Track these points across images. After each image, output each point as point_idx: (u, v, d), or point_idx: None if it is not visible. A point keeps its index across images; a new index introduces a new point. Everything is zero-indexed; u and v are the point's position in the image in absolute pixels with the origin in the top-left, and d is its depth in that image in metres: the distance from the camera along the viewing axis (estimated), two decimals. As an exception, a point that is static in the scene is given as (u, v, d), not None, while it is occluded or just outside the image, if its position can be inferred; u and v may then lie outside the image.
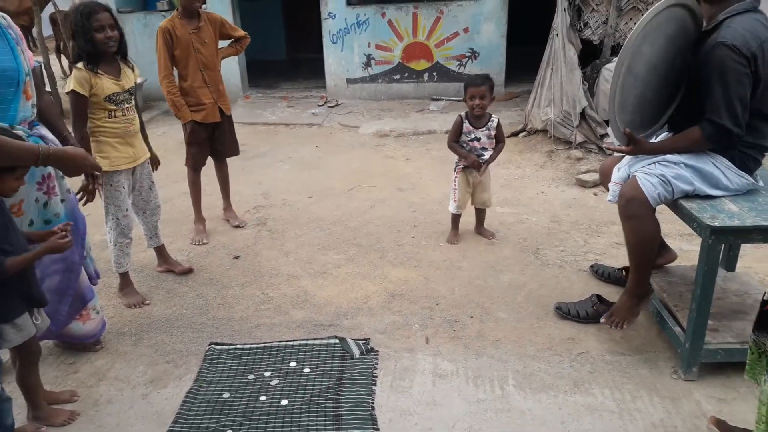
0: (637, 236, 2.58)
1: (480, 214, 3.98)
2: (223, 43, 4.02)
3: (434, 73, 7.86)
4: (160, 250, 3.61)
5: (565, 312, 2.98)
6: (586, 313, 2.93)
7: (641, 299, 2.72)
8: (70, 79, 2.96)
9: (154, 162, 3.39)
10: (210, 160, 4.17)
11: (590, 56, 5.83)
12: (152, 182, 3.35)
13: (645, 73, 2.42)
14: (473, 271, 3.51)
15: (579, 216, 4.23)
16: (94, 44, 2.88)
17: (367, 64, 7.92)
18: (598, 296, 2.97)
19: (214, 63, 3.88)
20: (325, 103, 7.93)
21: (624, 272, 3.22)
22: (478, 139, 3.67)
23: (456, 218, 3.94)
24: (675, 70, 2.49)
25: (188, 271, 3.59)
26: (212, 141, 4.07)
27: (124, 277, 3.32)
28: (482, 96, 3.54)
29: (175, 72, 3.83)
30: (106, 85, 2.95)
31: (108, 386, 2.61)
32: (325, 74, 8.12)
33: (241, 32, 4.10)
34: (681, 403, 2.37)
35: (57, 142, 2.48)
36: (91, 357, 2.81)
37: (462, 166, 3.77)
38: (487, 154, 3.69)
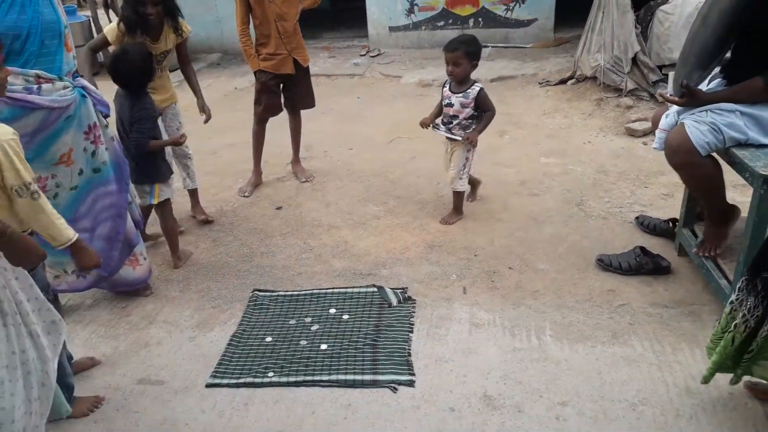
0: (693, 182, 2.55)
1: (453, 196, 3.54)
2: None
3: (480, 19, 7.60)
4: (193, 194, 3.73)
5: (606, 264, 2.93)
6: (629, 265, 2.87)
7: (727, 222, 2.68)
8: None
9: (206, 113, 3.63)
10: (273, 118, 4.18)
11: (645, -3, 5.50)
12: (180, 123, 3.53)
13: (716, 20, 2.28)
14: (514, 222, 3.47)
15: (627, 166, 4.10)
16: (138, 15, 3.09)
17: (410, 11, 7.72)
18: (642, 248, 2.90)
19: (290, 14, 3.82)
20: (367, 52, 7.82)
21: (671, 224, 3.12)
22: (451, 105, 3.30)
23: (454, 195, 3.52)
24: (739, 16, 2.32)
25: (208, 222, 3.69)
26: (285, 92, 4.08)
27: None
28: (455, 62, 3.17)
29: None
30: None
31: (158, 329, 2.75)
32: (367, 23, 7.97)
33: None
34: (724, 356, 2.32)
35: (97, 92, 2.55)
36: (142, 301, 2.96)
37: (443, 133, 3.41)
38: (454, 122, 3.31)
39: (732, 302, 1.96)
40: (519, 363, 2.37)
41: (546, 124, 5.07)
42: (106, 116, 2.64)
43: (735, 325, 1.93)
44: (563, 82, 5.81)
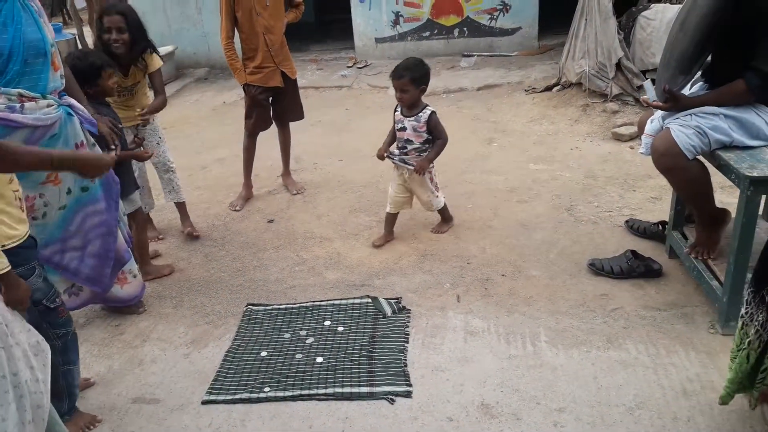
0: (681, 185, 2.58)
1: (440, 213, 3.52)
2: None
3: (465, 29, 7.67)
4: (180, 207, 3.72)
5: (598, 268, 2.95)
6: (620, 269, 2.89)
7: (718, 225, 2.68)
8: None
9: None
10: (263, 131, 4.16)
11: (626, 4, 5.58)
12: (160, 138, 3.50)
13: (694, 25, 2.32)
14: (505, 229, 3.49)
15: (614, 171, 4.14)
16: (105, 44, 3.05)
17: (396, 22, 7.78)
18: (633, 251, 2.93)
19: (277, 27, 3.84)
20: (354, 64, 7.86)
21: (660, 226, 3.15)
22: (404, 129, 3.24)
23: (387, 218, 3.44)
24: (715, 20, 2.36)
25: (194, 237, 3.66)
26: (274, 105, 4.08)
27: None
28: (402, 89, 3.12)
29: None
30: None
31: (152, 346, 2.72)
32: (354, 34, 8.01)
33: None
34: (718, 357, 2.34)
35: (84, 111, 2.54)
36: (135, 319, 2.94)
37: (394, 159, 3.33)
38: (409, 147, 3.24)
39: (742, 316, 1.88)
40: (515, 370, 2.37)
41: (533, 131, 5.11)
42: (94, 135, 2.62)
43: (749, 342, 1.84)
44: (549, 89, 5.87)
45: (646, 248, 3.07)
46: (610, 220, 3.47)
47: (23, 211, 2.00)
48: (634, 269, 2.87)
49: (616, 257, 2.96)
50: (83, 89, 2.71)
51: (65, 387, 2.20)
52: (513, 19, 7.44)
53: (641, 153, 2.69)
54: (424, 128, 3.20)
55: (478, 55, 7.53)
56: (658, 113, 2.62)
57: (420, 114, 3.19)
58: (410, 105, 3.20)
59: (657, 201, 3.65)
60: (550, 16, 7.65)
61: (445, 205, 3.48)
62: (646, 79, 5.01)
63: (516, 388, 2.28)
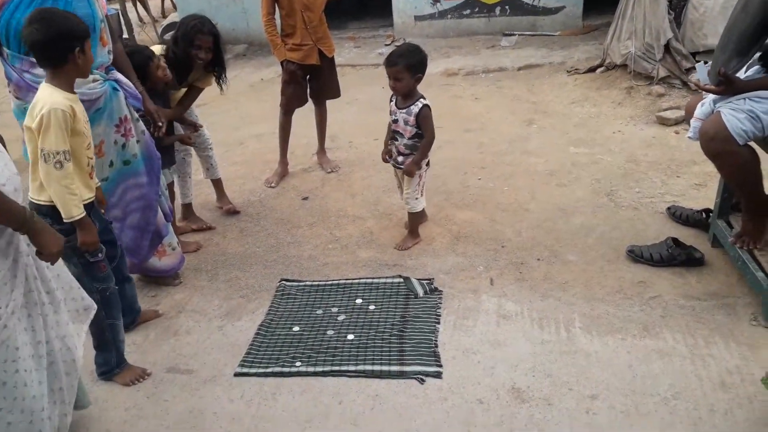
0: (729, 171, 2.49)
1: (408, 217, 3.27)
2: None
3: (506, 7, 7.47)
4: (217, 184, 3.76)
5: (638, 255, 2.87)
6: (660, 257, 2.81)
7: (766, 215, 2.57)
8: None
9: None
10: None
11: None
12: (196, 117, 3.52)
13: (757, 6, 2.21)
14: (542, 213, 3.42)
15: (658, 156, 4.01)
16: (188, 57, 3.10)
17: (436, 0, 7.64)
18: (674, 239, 2.84)
19: (316, 5, 3.82)
20: (393, 42, 7.76)
21: (704, 214, 3.05)
22: (396, 121, 3.06)
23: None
24: None
25: (233, 212, 3.71)
26: (311, 82, 4.09)
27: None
28: (396, 77, 2.90)
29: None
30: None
31: (187, 318, 2.78)
32: (393, 12, 7.91)
33: None
34: (760, 350, 2.27)
35: (131, 86, 2.58)
36: (171, 291, 3.00)
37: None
38: (400, 140, 3.06)
39: None
40: (548, 355, 2.34)
41: (575, 112, 4.98)
42: (139, 110, 2.66)
43: None
44: (592, 70, 5.69)
45: (688, 236, 2.97)
46: (652, 207, 3.37)
47: (92, 178, 2.18)
48: (675, 257, 2.79)
49: (656, 244, 2.88)
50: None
51: (111, 340, 2.35)
52: (557, -3, 7.22)
53: (689, 137, 2.60)
54: (414, 122, 2.98)
55: (519, 34, 7.35)
56: (710, 97, 2.51)
57: (412, 106, 2.96)
58: (405, 95, 2.99)
59: (701, 188, 3.52)
60: (596, -5, 7.41)
61: (418, 214, 3.22)
62: (698, 61, 4.84)
63: (548, 373, 2.25)
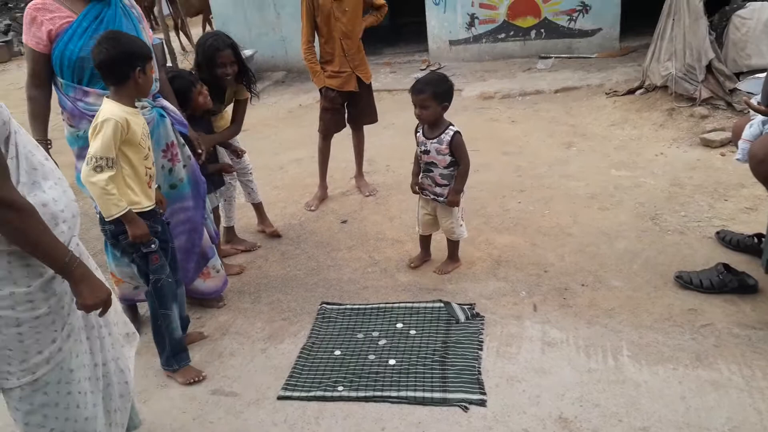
0: None
1: (449, 244, 3.24)
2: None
3: (542, 30, 7.49)
4: (258, 208, 3.82)
5: (686, 281, 2.79)
6: (711, 283, 2.72)
7: None
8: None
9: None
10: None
11: (718, 3, 5.28)
12: (237, 143, 3.55)
13: None
14: (585, 237, 3.37)
15: (703, 178, 3.91)
16: (217, 78, 3.18)
17: (471, 24, 7.70)
18: (725, 265, 2.75)
19: (354, 32, 3.90)
20: (428, 66, 7.84)
21: (756, 239, 2.95)
22: (427, 152, 2.99)
23: (421, 239, 3.31)
24: None
25: (276, 236, 3.75)
26: (349, 108, 4.15)
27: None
28: (423, 105, 2.85)
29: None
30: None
31: (230, 340, 2.81)
32: (428, 37, 8.00)
33: (381, 0, 4.08)
34: (822, 383, 2.17)
35: (177, 112, 2.66)
36: (215, 313, 3.04)
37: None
38: (435, 171, 3.00)
39: None
40: (595, 384, 2.28)
41: (615, 135, 4.92)
42: (185, 135, 2.74)
43: None
44: (631, 92, 5.63)
45: (740, 262, 2.88)
46: (699, 231, 3.28)
47: (150, 188, 2.30)
48: (726, 284, 2.70)
49: (705, 270, 2.80)
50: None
51: (165, 332, 2.47)
52: (593, 19, 7.20)
53: (737, 159, 2.54)
54: (447, 150, 2.94)
55: (555, 57, 7.34)
56: (759, 117, 2.46)
57: (442, 135, 2.93)
58: (431, 124, 2.96)
59: (751, 212, 3.42)
60: (633, 17, 7.36)
61: (458, 242, 3.21)
62: (740, 80, 4.74)
63: (596, 403, 2.19)
